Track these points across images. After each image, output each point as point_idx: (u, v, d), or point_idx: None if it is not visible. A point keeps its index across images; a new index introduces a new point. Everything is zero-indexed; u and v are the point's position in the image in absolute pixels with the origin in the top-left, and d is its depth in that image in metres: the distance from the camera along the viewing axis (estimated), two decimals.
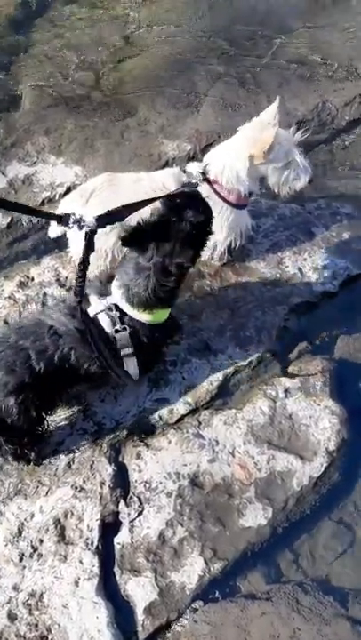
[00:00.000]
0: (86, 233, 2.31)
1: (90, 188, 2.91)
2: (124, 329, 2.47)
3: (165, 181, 2.86)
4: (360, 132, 4.12)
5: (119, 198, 2.64)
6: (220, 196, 2.92)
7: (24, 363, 2.39)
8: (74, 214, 2.30)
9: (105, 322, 2.47)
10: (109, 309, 2.48)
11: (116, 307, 2.48)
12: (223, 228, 3.02)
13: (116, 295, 2.49)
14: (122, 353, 2.52)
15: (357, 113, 4.16)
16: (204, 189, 2.82)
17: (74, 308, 2.44)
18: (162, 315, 2.56)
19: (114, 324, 2.47)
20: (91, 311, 2.49)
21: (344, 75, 4.36)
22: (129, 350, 2.52)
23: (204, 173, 2.89)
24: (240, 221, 3.07)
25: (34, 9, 5.07)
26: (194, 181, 2.81)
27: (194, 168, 2.94)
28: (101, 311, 2.48)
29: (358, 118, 4.15)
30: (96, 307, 2.50)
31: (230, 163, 2.88)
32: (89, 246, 2.34)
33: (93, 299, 2.52)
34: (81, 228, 2.30)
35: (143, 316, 2.50)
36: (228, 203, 2.95)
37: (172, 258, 2.37)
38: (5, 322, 3.09)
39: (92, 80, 4.47)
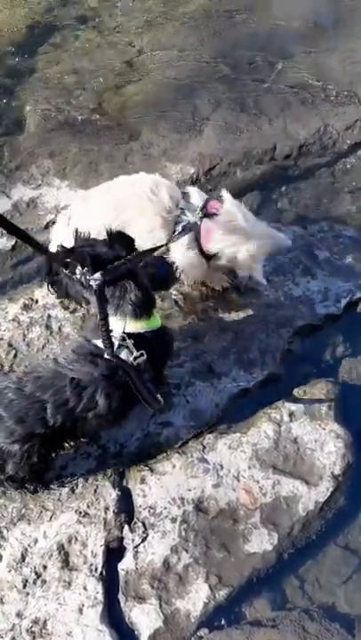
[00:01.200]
0: (96, 289, 2.33)
1: (68, 211, 3.00)
2: (142, 355, 2.44)
3: (141, 187, 2.88)
4: None
5: (90, 215, 2.80)
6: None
7: (37, 414, 2.36)
8: (79, 269, 2.33)
9: (124, 354, 2.45)
10: (123, 339, 2.46)
11: (126, 335, 2.47)
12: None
13: (116, 324, 2.49)
14: (145, 377, 2.51)
15: (359, 136, 4.19)
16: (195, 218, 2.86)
17: (93, 355, 2.44)
18: (155, 320, 2.58)
19: (132, 353, 2.45)
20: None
21: (345, 99, 4.41)
22: (149, 375, 2.52)
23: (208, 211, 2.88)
24: None
25: (39, 34, 5.13)
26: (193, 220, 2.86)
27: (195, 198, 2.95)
28: (120, 347, 2.46)
29: (360, 142, 4.18)
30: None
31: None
32: (102, 299, 2.36)
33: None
34: (88, 283, 2.34)
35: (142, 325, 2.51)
36: None
37: None
38: (10, 344, 3.10)
39: (95, 104, 4.52)
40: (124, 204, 2.86)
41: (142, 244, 2.71)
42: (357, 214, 3.81)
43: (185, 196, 2.93)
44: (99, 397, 2.40)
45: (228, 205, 2.85)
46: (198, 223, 2.86)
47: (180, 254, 2.96)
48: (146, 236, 2.83)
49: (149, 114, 4.40)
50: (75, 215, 2.95)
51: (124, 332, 2.47)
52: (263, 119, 4.28)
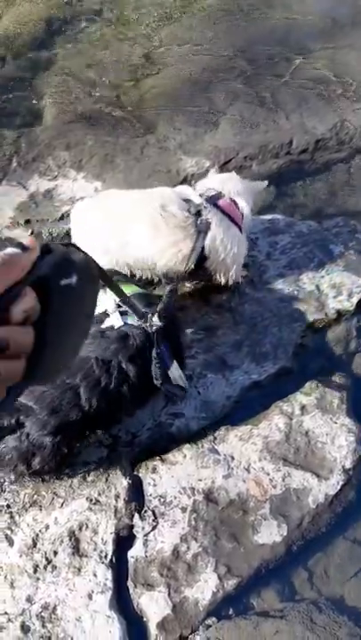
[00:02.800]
0: (153, 333, 2.45)
1: (81, 206, 3.13)
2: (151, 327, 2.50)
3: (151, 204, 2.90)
4: None
5: (105, 224, 2.95)
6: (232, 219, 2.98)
7: (71, 401, 2.37)
8: (148, 314, 2.45)
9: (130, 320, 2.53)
10: (119, 306, 2.55)
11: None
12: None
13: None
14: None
15: None
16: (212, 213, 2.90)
17: (100, 332, 2.49)
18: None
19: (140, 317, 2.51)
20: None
21: None
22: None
23: (214, 197, 2.95)
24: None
25: (56, 27, 5.17)
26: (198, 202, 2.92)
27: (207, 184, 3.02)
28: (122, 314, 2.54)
29: None
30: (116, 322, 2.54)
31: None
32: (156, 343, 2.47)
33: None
34: (152, 328, 2.45)
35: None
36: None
37: None
38: None
39: (112, 97, 4.54)
40: (138, 220, 2.90)
41: (168, 258, 2.86)
42: None
43: (187, 202, 2.95)
44: (125, 365, 2.43)
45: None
46: (210, 217, 2.89)
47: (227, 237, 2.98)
48: (170, 251, 2.88)
49: (166, 107, 4.41)
50: (92, 214, 3.00)
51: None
52: (280, 113, 4.28)
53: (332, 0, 5.22)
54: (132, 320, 2.49)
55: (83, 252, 0.92)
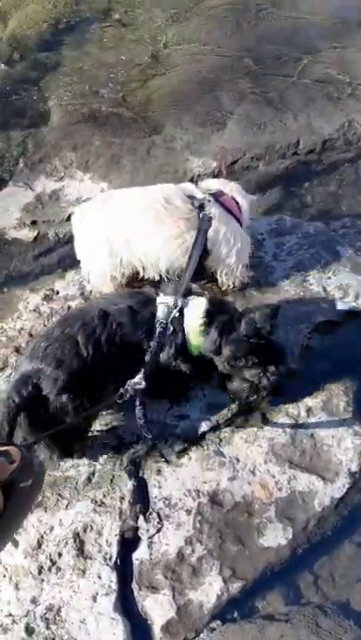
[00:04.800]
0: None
1: (84, 207, 3.12)
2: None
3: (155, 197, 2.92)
4: None
5: (110, 221, 2.95)
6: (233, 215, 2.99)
7: (71, 350, 2.44)
8: (126, 389, 2.44)
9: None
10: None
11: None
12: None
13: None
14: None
15: None
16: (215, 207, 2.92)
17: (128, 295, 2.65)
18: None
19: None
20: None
21: None
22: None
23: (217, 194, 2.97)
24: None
25: (64, 28, 5.16)
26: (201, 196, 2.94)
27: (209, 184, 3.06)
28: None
29: None
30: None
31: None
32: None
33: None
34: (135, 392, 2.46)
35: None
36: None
37: None
38: (30, 334, 3.13)
39: (119, 97, 4.53)
40: (141, 215, 2.90)
41: (171, 250, 2.89)
42: None
43: (190, 197, 2.95)
44: (117, 325, 2.51)
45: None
46: (213, 211, 2.91)
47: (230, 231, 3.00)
48: (175, 242, 2.89)
49: (173, 107, 4.40)
50: (93, 215, 2.99)
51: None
52: (287, 114, 4.26)
53: (339, 0, 5.18)
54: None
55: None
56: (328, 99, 4.36)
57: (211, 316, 2.58)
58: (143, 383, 2.42)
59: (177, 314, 2.59)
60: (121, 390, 2.43)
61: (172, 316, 2.58)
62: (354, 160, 4.07)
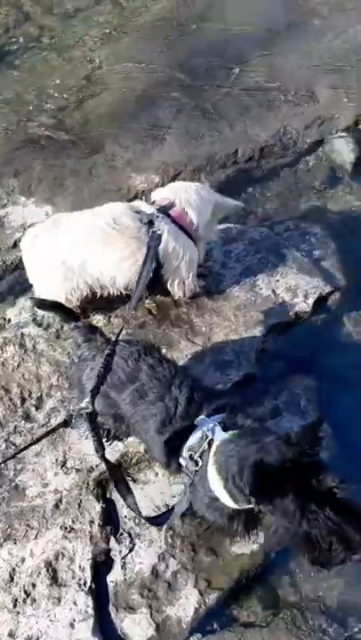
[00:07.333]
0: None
1: (34, 231, 3.09)
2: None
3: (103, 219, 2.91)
4: (322, 154, 4.20)
5: (59, 242, 2.94)
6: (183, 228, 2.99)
7: None
8: (71, 414, 2.46)
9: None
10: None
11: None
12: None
13: None
14: None
15: (318, 135, 4.25)
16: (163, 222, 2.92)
17: None
18: None
19: None
20: None
21: (302, 99, 4.47)
22: None
23: (166, 207, 2.96)
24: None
25: None
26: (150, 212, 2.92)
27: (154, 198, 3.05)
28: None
29: (319, 140, 4.24)
30: None
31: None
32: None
33: None
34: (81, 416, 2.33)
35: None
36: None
37: None
38: None
39: (57, 120, 4.54)
40: (92, 237, 2.89)
41: (125, 270, 2.89)
42: (322, 211, 3.86)
43: (138, 213, 2.96)
44: None
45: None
46: (162, 226, 2.91)
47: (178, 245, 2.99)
48: (127, 262, 2.89)
49: (111, 126, 4.43)
50: (44, 239, 2.97)
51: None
52: (223, 124, 4.33)
53: (265, 10, 5.30)
54: None
55: None
56: (262, 106, 4.44)
57: None
58: (90, 407, 2.26)
59: (206, 446, 2.13)
60: (65, 417, 2.37)
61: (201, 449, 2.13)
62: (292, 164, 4.15)
